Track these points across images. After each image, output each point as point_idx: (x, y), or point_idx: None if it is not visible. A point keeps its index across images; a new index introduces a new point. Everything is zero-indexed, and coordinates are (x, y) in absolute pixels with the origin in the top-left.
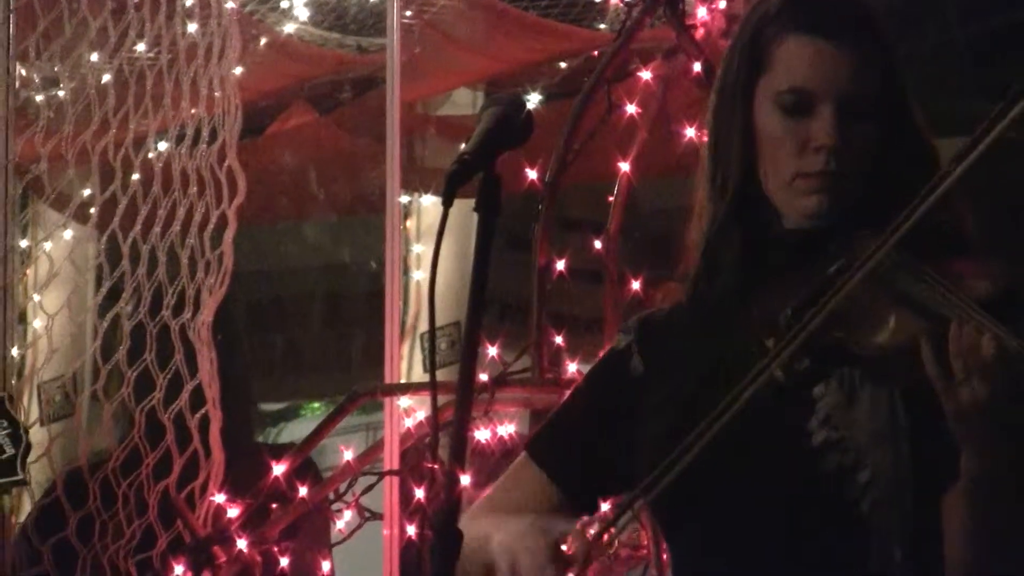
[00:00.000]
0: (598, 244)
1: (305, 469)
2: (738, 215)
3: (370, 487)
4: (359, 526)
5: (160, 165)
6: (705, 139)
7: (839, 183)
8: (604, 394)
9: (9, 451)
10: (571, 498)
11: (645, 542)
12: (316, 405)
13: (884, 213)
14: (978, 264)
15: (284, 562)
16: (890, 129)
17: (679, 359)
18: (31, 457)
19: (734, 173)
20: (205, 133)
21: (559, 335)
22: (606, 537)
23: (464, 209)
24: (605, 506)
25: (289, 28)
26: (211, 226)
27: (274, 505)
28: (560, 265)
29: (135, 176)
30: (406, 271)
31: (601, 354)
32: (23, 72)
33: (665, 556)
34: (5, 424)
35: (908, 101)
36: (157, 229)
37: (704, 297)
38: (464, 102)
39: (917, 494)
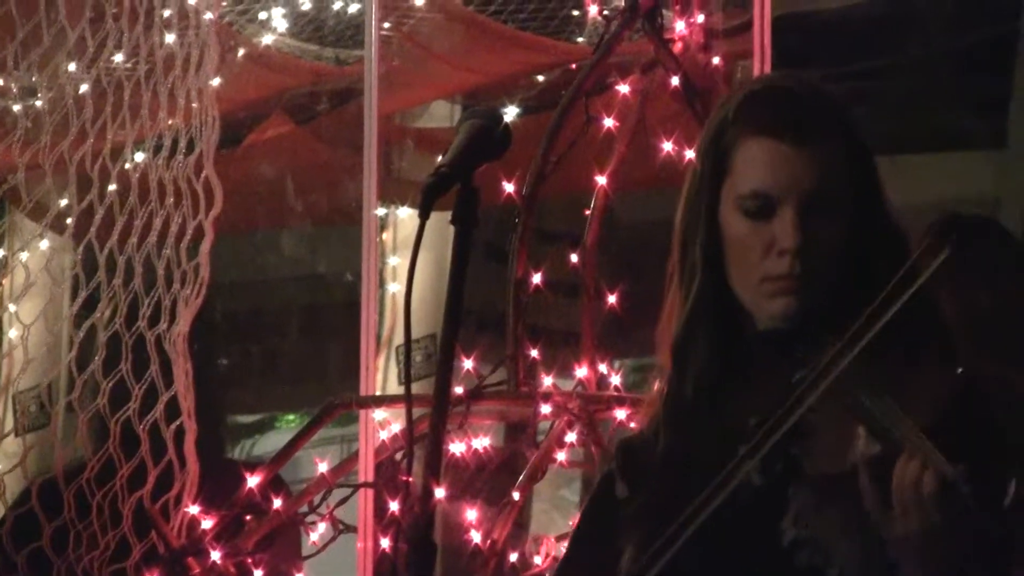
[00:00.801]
0: (575, 257)
1: (276, 483)
2: (706, 317)
3: (344, 499)
4: (333, 538)
5: (137, 176)
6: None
7: (806, 285)
8: (596, 523)
9: None
10: None
11: None
12: (291, 417)
13: (856, 310)
14: (933, 373)
15: (258, 574)
16: (859, 223)
17: (660, 477)
18: (6, 466)
19: (699, 275)
20: (182, 144)
21: (535, 348)
22: None
23: (441, 221)
24: None
25: (267, 39)
26: (188, 237)
27: (248, 517)
28: (537, 278)
29: (112, 186)
30: (382, 283)
31: (576, 367)
32: (1, 81)
33: None
34: None
35: (878, 191)
36: (134, 240)
37: (678, 412)
38: (442, 114)
39: None
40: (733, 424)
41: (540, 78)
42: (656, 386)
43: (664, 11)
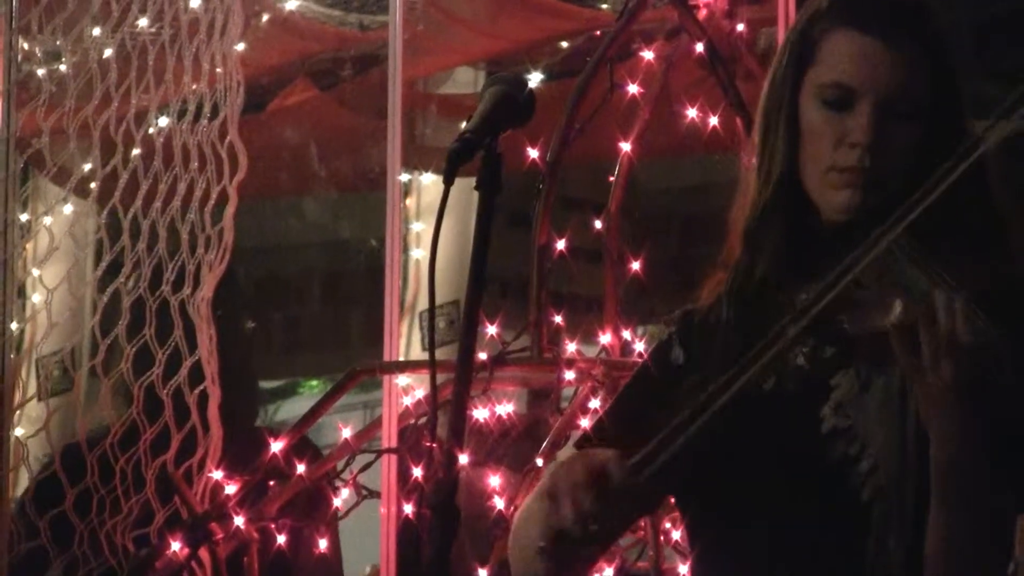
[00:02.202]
0: (599, 223)
1: (304, 447)
2: (779, 206)
3: (368, 465)
4: (356, 504)
5: (161, 140)
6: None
7: (873, 180)
8: (649, 385)
9: None
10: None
11: (642, 523)
12: (314, 383)
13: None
14: (984, 254)
15: (281, 539)
16: (937, 132)
17: (717, 349)
18: (29, 431)
19: (778, 164)
20: (207, 109)
21: (559, 314)
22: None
23: (465, 188)
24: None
25: (291, 5)
26: (212, 202)
27: (272, 482)
28: (561, 244)
29: (136, 151)
30: (406, 249)
31: (600, 334)
32: (25, 46)
33: (661, 538)
34: None
35: (960, 106)
36: (158, 204)
37: (744, 288)
38: (466, 80)
39: (916, 486)
40: (790, 311)
41: (564, 44)
42: (718, 273)
43: None
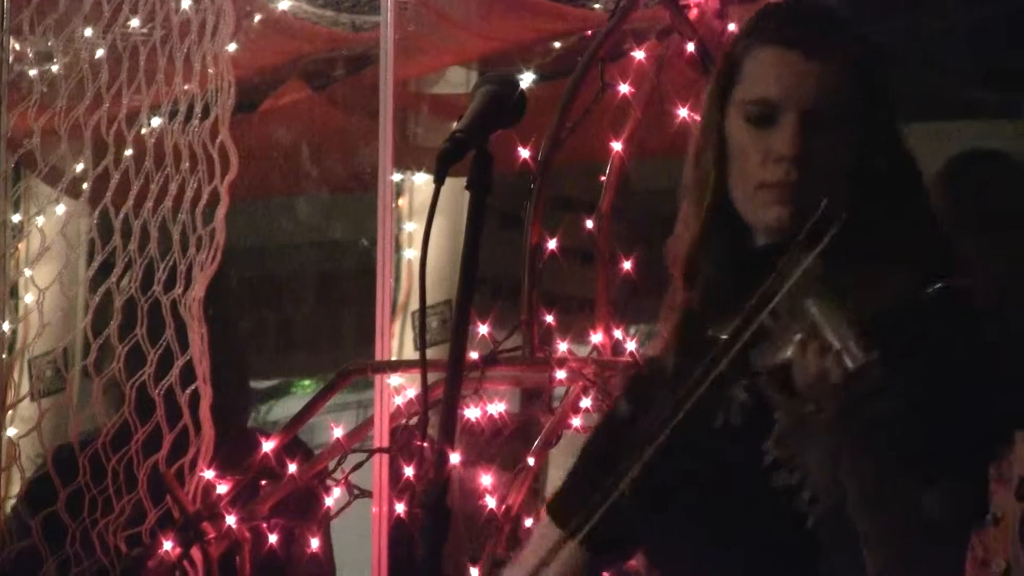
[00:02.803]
0: (590, 223)
1: (295, 447)
2: (714, 234)
3: (359, 464)
4: (348, 503)
5: (153, 141)
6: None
7: (801, 195)
8: (602, 445)
9: None
10: (596, 554)
11: None
12: (307, 382)
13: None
14: (912, 266)
15: (273, 539)
16: (866, 142)
17: (664, 396)
18: (21, 431)
19: (709, 188)
20: (198, 109)
21: (550, 314)
22: None
23: (456, 187)
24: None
25: (283, 5)
26: (203, 202)
27: (263, 482)
28: (552, 244)
29: (128, 151)
30: (398, 249)
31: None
32: (17, 46)
33: None
34: None
35: (890, 114)
36: (149, 204)
37: (686, 321)
38: (458, 80)
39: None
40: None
41: (556, 44)
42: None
43: None
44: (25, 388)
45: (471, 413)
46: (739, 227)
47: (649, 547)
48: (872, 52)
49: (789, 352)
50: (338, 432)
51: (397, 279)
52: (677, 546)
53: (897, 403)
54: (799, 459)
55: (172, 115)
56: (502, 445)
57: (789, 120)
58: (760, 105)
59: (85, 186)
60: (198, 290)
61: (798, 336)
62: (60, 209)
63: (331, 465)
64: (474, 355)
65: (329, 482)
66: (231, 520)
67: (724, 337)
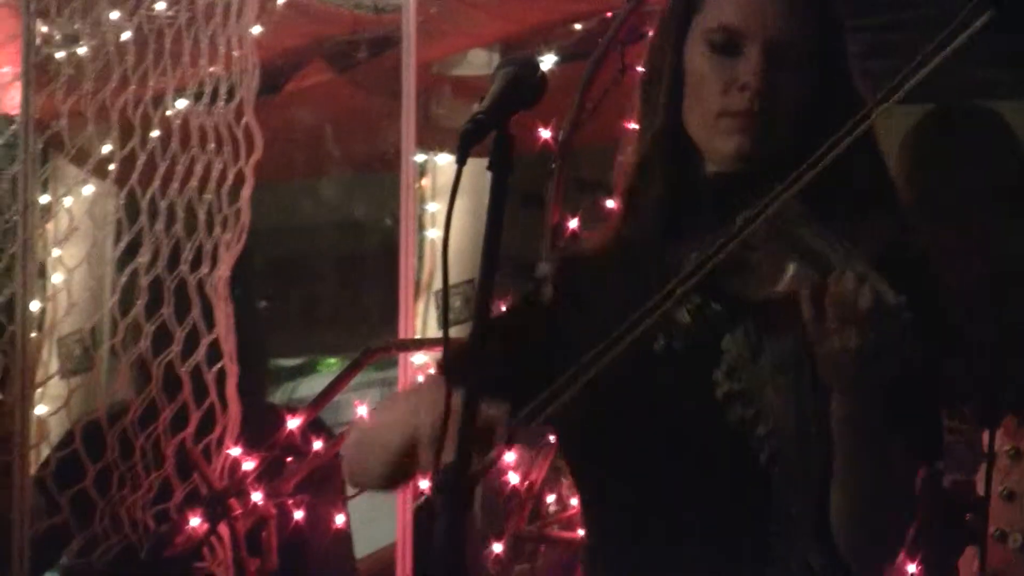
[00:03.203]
0: (610, 203)
1: (318, 426)
2: (661, 160)
3: None
4: None
5: (179, 122)
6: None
7: (762, 125)
8: (515, 319)
9: None
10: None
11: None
12: (332, 361)
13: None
14: (876, 221)
15: (299, 515)
16: (823, 79)
17: (592, 294)
18: (50, 408)
19: (660, 115)
20: (223, 91)
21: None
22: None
23: (478, 168)
24: None
25: None
26: (228, 183)
27: (289, 459)
28: (573, 223)
29: (154, 133)
30: (421, 229)
31: None
32: (43, 29)
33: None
34: None
35: (843, 53)
36: (175, 185)
37: (625, 237)
38: (479, 62)
39: (815, 450)
40: (673, 264)
41: (576, 27)
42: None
43: None
44: (54, 367)
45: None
46: (690, 154)
47: (586, 470)
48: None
49: (785, 283)
50: (362, 410)
51: (420, 258)
52: (617, 470)
53: (916, 346)
54: (754, 392)
55: (198, 97)
56: None
57: (754, 50)
58: (724, 33)
59: (112, 167)
60: (224, 270)
61: (791, 270)
62: (87, 190)
63: None
64: None
65: None
66: (257, 496)
67: (694, 256)
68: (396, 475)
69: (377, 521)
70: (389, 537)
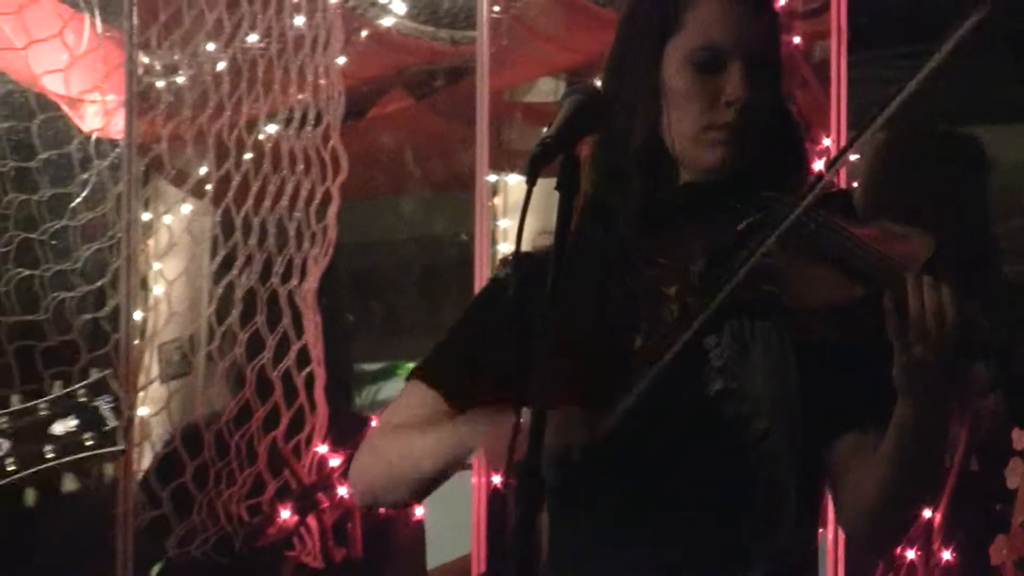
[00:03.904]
0: None
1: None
2: (641, 167)
3: None
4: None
5: (270, 145)
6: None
7: (744, 138)
8: (483, 317)
9: (112, 423)
10: (461, 410)
11: None
12: (410, 365)
13: (775, 173)
14: (889, 233)
15: (382, 508)
16: (780, 92)
17: (555, 294)
18: (152, 410)
19: (640, 126)
20: (311, 116)
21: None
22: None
23: (546, 188)
24: None
25: (387, 21)
26: (316, 201)
27: None
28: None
29: (247, 155)
30: (493, 243)
31: None
32: (145, 60)
33: None
34: (109, 398)
35: (782, 72)
36: (267, 204)
37: (591, 238)
38: (547, 90)
39: (806, 442)
40: (663, 268)
41: None
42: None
43: None
44: (155, 372)
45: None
46: (666, 165)
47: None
48: (775, 9)
49: (858, 293)
50: None
51: (492, 271)
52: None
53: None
54: (748, 390)
55: (287, 122)
56: None
57: (736, 66)
58: (708, 52)
59: (208, 187)
60: (312, 282)
61: (856, 285)
62: (186, 208)
63: None
64: None
65: None
66: (343, 491)
67: (700, 266)
68: (422, 495)
69: (449, 534)
70: (461, 550)
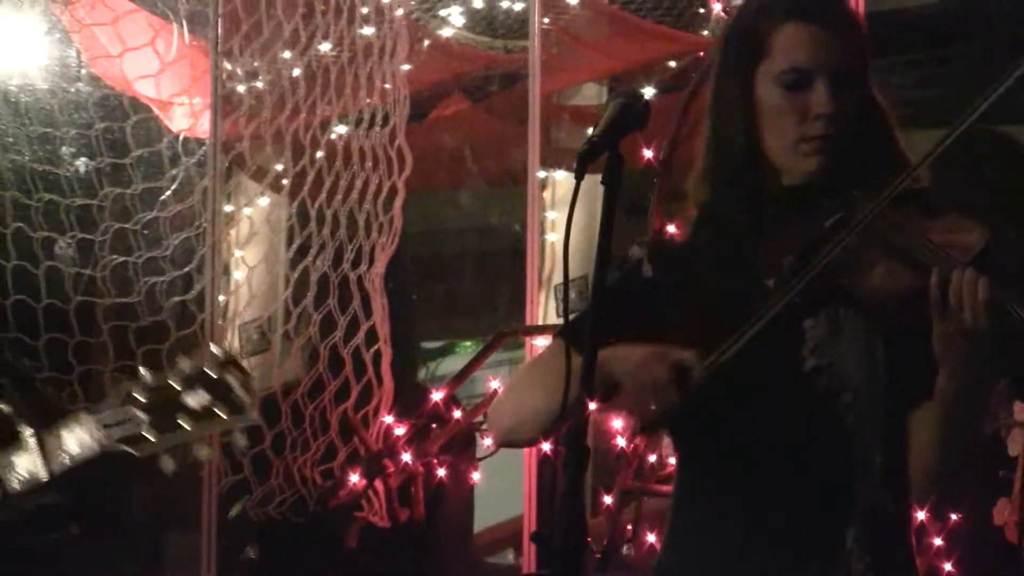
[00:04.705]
0: None
1: (452, 400)
2: (742, 175)
3: None
4: None
5: (341, 144)
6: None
7: (834, 146)
8: (621, 290)
9: (243, 398)
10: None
11: None
12: (467, 343)
13: (866, 171)
14: (953, 227)
15: (441, 472)
16: (867, 99)
17: (683, 275)
18: None
19: (739, 139)
20: (378, 118)
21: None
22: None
23: (592, 182)
24: None
25: (447, 32)
26: (383, 195)
27: (433, 425)
28: (671, 228)
29: (320, 153)
30: (543, 233)
31: None
32: (229, 67)
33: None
34: (239, 374)
35: (867, 73)
36: (339, 197)
37: (709, 234)
38: (592, 94)
39: (890, 411)
40: (763, 262)
41: (672, 64)
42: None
43: None
44: (236, 348)
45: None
46: (768, 170)
47: (690, 436)
48: (861, 29)
49: (876, 276)
50: (495, 384)
51: (542, 258)
52: (715, 438)
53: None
54: (837, 366)
55: (357, 123)
56: None
57: (821, 83)
58: (795, 73)
59: (285, 182)
60: (379, 267)
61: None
62: (264, 201)
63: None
64: None
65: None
66: (407, 457)
67: (791, 260)
68: (549, 432)
69: (498, 498)
70: (509, 513)
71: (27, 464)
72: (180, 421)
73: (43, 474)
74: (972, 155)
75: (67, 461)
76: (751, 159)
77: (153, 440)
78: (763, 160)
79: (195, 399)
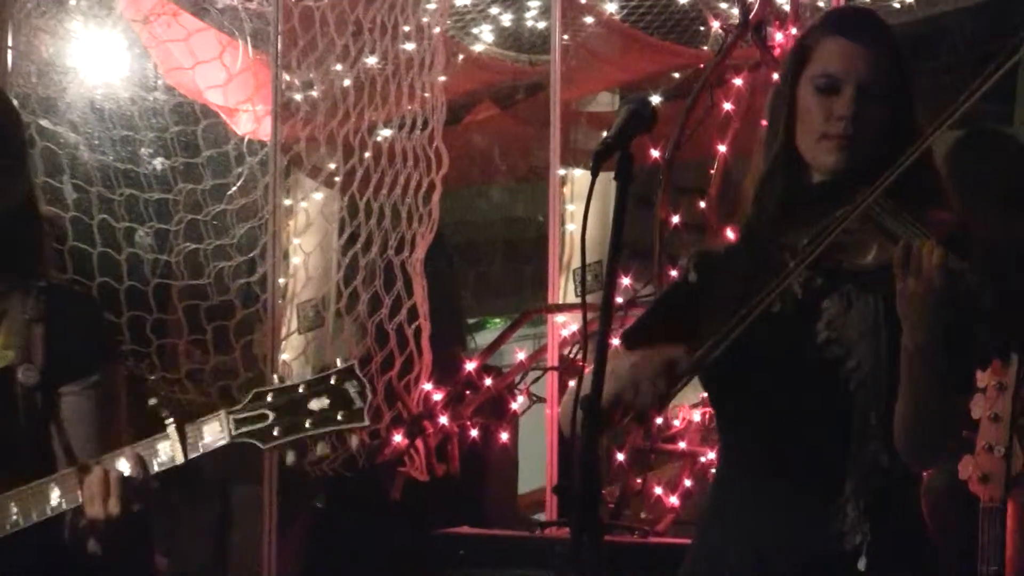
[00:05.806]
0: (703, 204)
1: (487, 367)
2: (779, 172)
3: (536, 379)
4: (528, 407)
5: (386, 146)
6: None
7: (854, 146)
8: (671, 298)
9: (359, 404)
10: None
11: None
12: (497, 320)
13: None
14: (942, 212)
15: (475, 433)
16: (899, 114)
17: (726, 274)
18: (292, 356)
19: (779, 138)
20: (419, 122)
21: (674, 269)
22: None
23: (606, 179)
24: None
25: (479, 48)
26: (423, 190)
27: (467, 391)
28: (675, 219)
29: (368, 153)
30: (563, 223)
31: None
32: (287, 77)
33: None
34: (356, 383)
35: (912, 96)
36: (384, 192)
37: (754, 232)
38: (605, 101)
39: (889, 376)
40: (788, 247)
41: (676, 75)
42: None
43: (768, 27)
44: (294, 325)
45: (617, 341)
46: (800, 167)
47: (724, 398)
48: (903, 50)
49: (870, 256)
50: (521, 355)
51: (562, 245)
52: (747, 398)
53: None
54: (845, 338)
55: (400, 127)
56: None
57: (848, 90)
58: (827, 78)
59: (337, 179)
60: (419, 253)
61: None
62: (319, 195)
63: (516, 379)
64: (619, 300)
65: (515, 391)
66: (444, 419)
67: (805, 243)
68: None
69: (533, 438)
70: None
71: (168, 450)
72: (304, 423)
73: (180, 459)
74: (977, 153)
75: (201, 449)
76: (787, 155)
77: (277, 436)
78: (796, 156)
79: (317, 403)
